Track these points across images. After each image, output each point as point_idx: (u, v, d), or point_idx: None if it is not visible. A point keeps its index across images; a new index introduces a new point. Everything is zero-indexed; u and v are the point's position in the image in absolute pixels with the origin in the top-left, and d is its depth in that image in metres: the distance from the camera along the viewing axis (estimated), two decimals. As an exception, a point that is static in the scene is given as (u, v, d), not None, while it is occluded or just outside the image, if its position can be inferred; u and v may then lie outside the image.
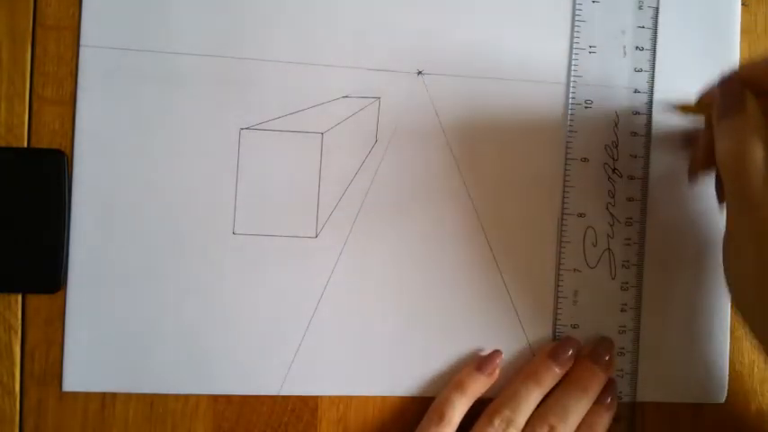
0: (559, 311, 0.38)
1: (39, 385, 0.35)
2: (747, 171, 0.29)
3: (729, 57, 0.39)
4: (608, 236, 0.38)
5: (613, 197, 0.38)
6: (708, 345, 0.39)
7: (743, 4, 0.39)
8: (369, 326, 0.36)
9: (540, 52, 0.38)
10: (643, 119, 0.38)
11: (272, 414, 0.36)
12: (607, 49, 0.38)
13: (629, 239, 0.38)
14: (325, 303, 0.36)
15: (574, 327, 0.38)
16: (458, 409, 0.35)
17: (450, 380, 0.36)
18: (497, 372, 0.36)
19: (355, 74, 0.37)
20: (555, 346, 0.37)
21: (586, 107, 0.38)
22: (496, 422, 0.34)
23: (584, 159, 0.38)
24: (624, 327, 0.38)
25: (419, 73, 0.37)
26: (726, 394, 0.39)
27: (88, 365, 0.35)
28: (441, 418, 0.34)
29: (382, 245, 0.37)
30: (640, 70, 0.38)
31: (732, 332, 0.39)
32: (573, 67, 0.38)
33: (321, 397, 0.36)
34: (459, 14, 0.37)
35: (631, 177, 0.38)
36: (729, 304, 0.39)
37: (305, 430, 0.36)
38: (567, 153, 0.38)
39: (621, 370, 0.38)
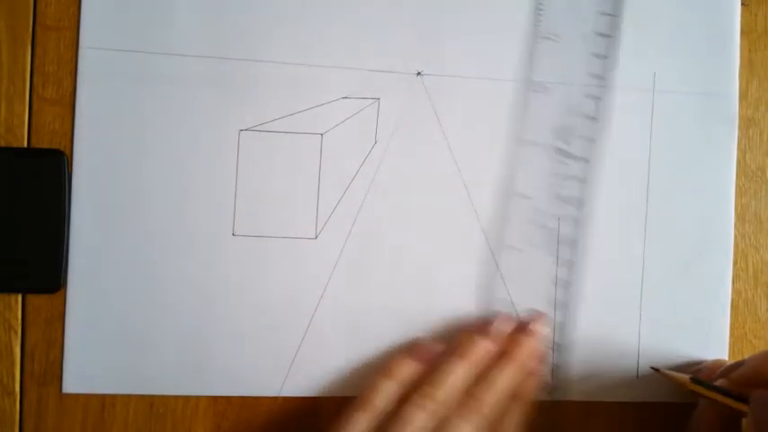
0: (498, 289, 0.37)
1: (39, 385, 0.35)
2: None
3: (729, 57, 0.39)
4: (553, 216, 0.38)
5: (561, 179, 0.38)
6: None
7: (743, 4, 0.39)
8: (369, 326, 0.36)
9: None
10: (598, 103, 0.38)
11: (271, 414, 0.36)
12: (568, 36, 0.38)
13: (574, 219, 0.38)
14: (325, 304, 0.36)
15: (511, 304, 0.37)
16: (382, 394, 0.34)
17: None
18: (432, 358, 0.35)
19: (355, 75, 0.36)
20: (480, 319, 0.36)
21: (539, 91, 0.38)
22: (416, 397, 0.33)
23: (533, 141, 0.37)
24: (561, 302, 0.38)
25: (418, 74, 0.37)
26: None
27: (88, 366, 0.35)
28: (367, 403, 0.33)
29: (382, 245, 0.37)
30: (601, 56, 0.38)
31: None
32: (531, 55, 0.37)
33: (321, 397, 0.36)
34: (458, 14, 0.37)
35: (580, 159, 0.38)
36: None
37: (305, 430, 0.36)
38: (517, 134, 0.37)
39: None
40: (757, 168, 0.40)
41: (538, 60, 0.38)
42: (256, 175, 0.36)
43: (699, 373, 0.37)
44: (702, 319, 0.39)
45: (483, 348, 0.35)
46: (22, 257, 0.34)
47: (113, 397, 0.35)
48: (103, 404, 0.35)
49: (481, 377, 0.34)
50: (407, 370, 0.35)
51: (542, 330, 0.37)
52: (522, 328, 0.36)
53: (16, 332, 0.34)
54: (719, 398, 0.33)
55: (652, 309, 0.38)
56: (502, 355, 0.35)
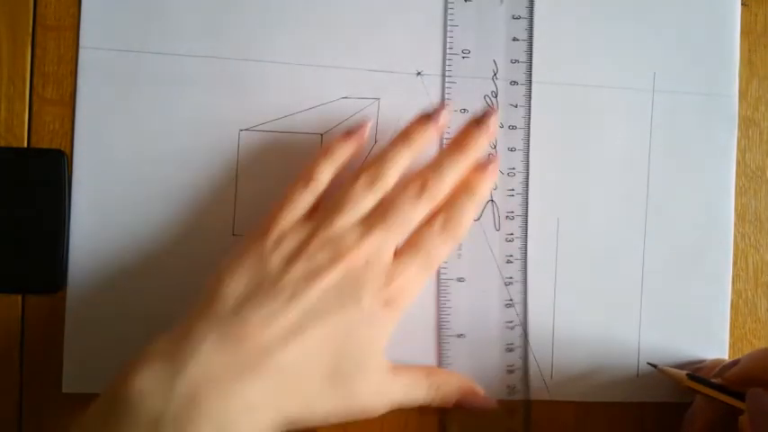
0: (444, 264, 0.37)
1: (39, 385, 0.35)
2: None
3: (729, 57, 0.39)
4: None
5: (494, 148, 0.37)
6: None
7: (743, 4, 0.39)
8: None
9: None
10: (522, 67, 0.37)
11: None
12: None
13: (513, 190, 0.37)
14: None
15: (459, 280, 0.37)
16: (325, 173, 0.33)
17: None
18: (365, 137, 0.34)
19: (354, 75, 0.36)
20: (432, 107, 0.35)
21: (464, 57, 0.37)
22: (363, 178, 0.32)
23: (464, 110, 0.37)
24: (511, 278, 0.37)
25: (418, 74, 0.37)
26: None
27: (88, 365, 0.35)
28: (309, 179, 0.33)
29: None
30: (518, 17, 0.37)
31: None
32: (449, 17, 0.37)
33: (321, 397, 0.36)
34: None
35: (512, 127, 0.37)
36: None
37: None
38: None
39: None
40: (757, 168, 0.40)
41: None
42: (257, 175, 0.36)
43: (698, 372, 0.37)
44: (702, 318, 0.39)
45: (430, 138, 0.34)
46: (22, 257, 0.34)
47: (113, 397, 0.35)
48: (103, 404, 0.35)
49: (430, 162, 0.33)
50: (346, 151, 0.33)
51: (494, 125, 0.34)
52: (473, 122, 0.34)
53: (16, 332, 0.34)
54: (716, 394, 0.33)
55: (652, 308, 0.38)
56: (451, 146, 0.34)
